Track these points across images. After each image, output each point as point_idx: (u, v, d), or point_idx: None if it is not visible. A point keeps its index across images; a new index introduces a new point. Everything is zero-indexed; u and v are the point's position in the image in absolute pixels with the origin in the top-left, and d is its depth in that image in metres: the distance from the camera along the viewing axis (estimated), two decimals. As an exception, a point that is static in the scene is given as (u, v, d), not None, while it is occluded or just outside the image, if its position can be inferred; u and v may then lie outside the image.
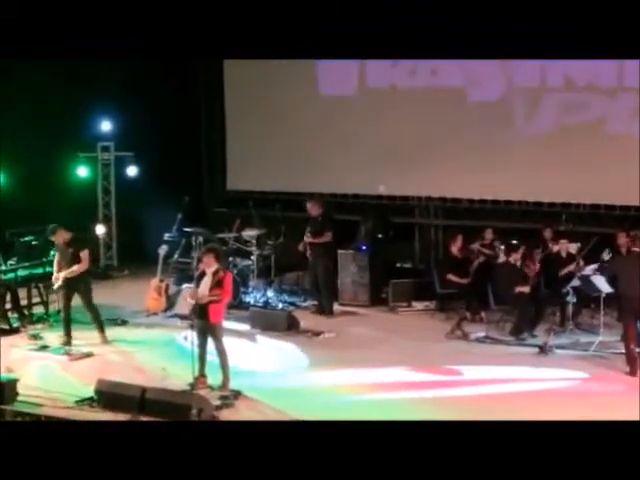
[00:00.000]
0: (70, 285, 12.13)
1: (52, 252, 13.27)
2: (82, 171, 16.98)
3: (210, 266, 10.22)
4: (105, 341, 12.24)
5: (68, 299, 12.21)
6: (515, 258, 12.39)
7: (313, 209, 13.94)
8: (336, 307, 14.02)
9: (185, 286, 12.58)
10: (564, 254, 12.84)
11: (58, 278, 12.14)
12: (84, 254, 12.21)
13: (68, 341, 12.09)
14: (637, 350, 10.76)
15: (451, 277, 13.40)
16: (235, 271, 13.85)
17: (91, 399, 9.80)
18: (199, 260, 10.93)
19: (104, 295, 12.75)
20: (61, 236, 12.21)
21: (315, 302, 14.04)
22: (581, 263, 12.23)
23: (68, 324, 12.19)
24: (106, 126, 17.09)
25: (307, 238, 13.77)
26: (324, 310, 13.78)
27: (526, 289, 12.20)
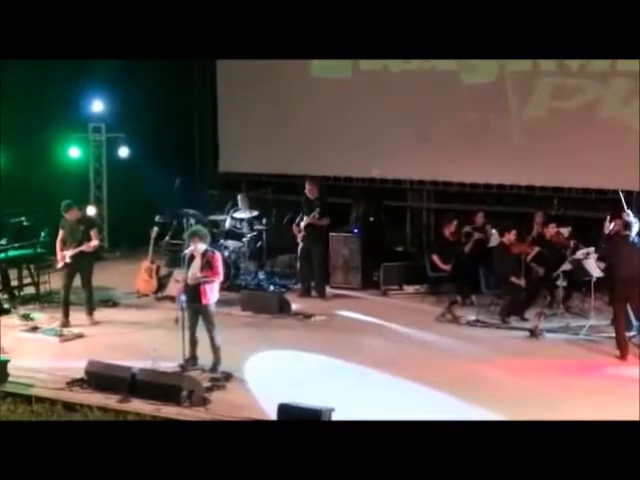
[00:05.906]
0: (74, 264, 12.09)
1: (43, 233, 13.27)
2: (74, 152, 16.88)
3: (198, 248, 10.25)
4: (93, 322, 12.24)
5: (70, 278, 12.17)
6: (509, 239, 12.39)
7: (312, 191, 13.88)
8: (327, 290, 14.03)
9: (177, 271, 12.55)
10: (548, 236, 12.86)
11: (64, 256, 12.07)
12: (95, 232, 12.24)
13: (66, 322, 12.09)
14: (627, 334, 10.82)
15: (435, 259, 13.40)
16: (227, 253, 13.83)
17: (82, 380, 9.83)
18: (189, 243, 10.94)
19: (95, 276, 12.67)
20: (74, 213, 12.18)
21: (299, 285, 14.03)
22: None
23: (67, 305, 12.18)
24: (98, 106, 16.97)
25: (310, 219, 13.61)
26: (310, 293, 13.80)
27: (521, 282, 12.19)
